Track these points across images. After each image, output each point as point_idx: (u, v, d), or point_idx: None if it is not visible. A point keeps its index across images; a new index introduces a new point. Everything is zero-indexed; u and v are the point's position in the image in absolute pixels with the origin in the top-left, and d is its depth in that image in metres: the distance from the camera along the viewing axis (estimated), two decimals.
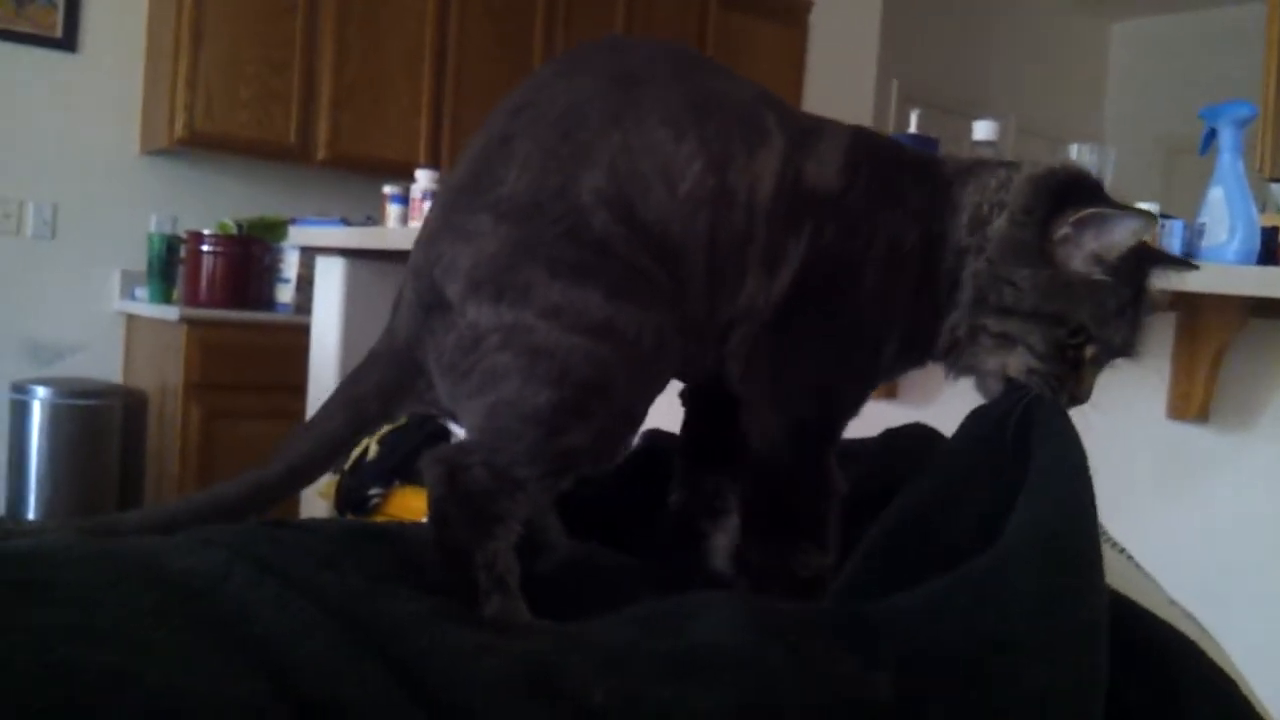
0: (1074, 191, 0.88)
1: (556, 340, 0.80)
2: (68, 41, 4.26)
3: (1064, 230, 0.86)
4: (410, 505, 2.45)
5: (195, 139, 4.21)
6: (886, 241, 0.90)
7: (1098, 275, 0.86)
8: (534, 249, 0.82)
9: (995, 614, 0.67)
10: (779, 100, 0.94)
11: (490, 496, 0.82)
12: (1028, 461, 0.80)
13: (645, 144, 0.85)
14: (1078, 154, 2.13)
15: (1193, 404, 1.96)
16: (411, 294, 0.88)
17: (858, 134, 0.95)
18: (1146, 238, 0.89)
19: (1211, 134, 1.92)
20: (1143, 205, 0.87)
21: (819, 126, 0.94)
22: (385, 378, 0.91)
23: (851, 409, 0.94)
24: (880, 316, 0.91)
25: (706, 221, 0.86)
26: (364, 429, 0.92)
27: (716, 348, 0.92)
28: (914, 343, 0.93)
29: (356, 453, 2.58)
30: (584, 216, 0.82)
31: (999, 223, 0.88)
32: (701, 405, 1.02)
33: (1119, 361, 0.92)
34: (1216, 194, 1.89)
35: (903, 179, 0.92)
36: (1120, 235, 0.86)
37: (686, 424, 1.04)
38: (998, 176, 0.91)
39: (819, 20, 6.06)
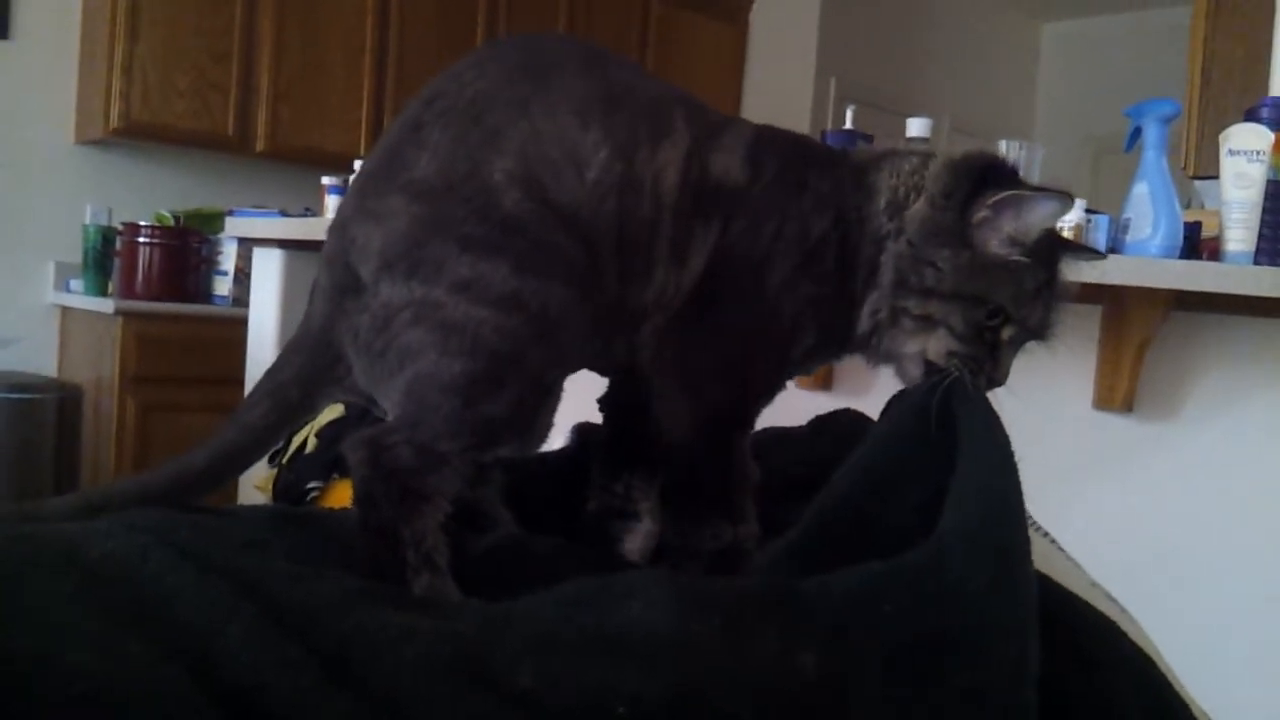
0: (992, 175, 0.90)
1: (465, 313, 0.82)
2: (1, 28, 4.17)
3: (983, 213, 0.88)
4: (349, 499, 2.43)
5: (131, 129, 4.14)
6: (796, 231, 0.91)
7: (1015, 255, 0.88)
8: (445, 226, 0.83)
9: (928, 609, 0.68)
10: (689, 99, 0.96)
11: (415, 473, 0.82)
12: (954, 444, 0.82)
13: (553, 131, 0.86)
14: (1006, 150, 2.17)
15: (1118, 394, 2.00)
16: (326, 280, 0.89)
17: (762, 129, 0.97)
18: (1063, 219, 0.91)
19: (1137, 132, 1.96)
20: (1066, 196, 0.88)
21: (724, 123, 0.95)
22: (304, 365, 0.91)
23: (764, 396, 0.95)
24: (790, 306, 0.92)
25: (614, 208, 0.87)
26: (288, 418, 0.93)
27: (628, 337, 0.93)
28: (832, 330, 0.94)
29: (294, 446, 2.55)
30: (495, 195, 0.84)
31: (918, 206, 0.90)
32: (615, 409, 1.04)
33: (1040, 350, 0.94)
34: (1141, 190, 1.92)
35: (809, 169, 0.93)
36: (1038, 216, 0.87)
37: (604, 428, 1.05)
38: (910, 162, 0.93)
39: (759, 18, 6.09)
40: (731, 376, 0.93)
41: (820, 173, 0.93)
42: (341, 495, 2.52)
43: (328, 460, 2.52)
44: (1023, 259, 0.88)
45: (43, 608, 0.57)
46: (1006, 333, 0.90)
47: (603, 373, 1.01)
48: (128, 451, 3.91)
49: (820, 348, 0.95)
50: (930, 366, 0.90)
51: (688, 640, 0.65)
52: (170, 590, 0.61)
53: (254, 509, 1.01)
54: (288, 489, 2.58)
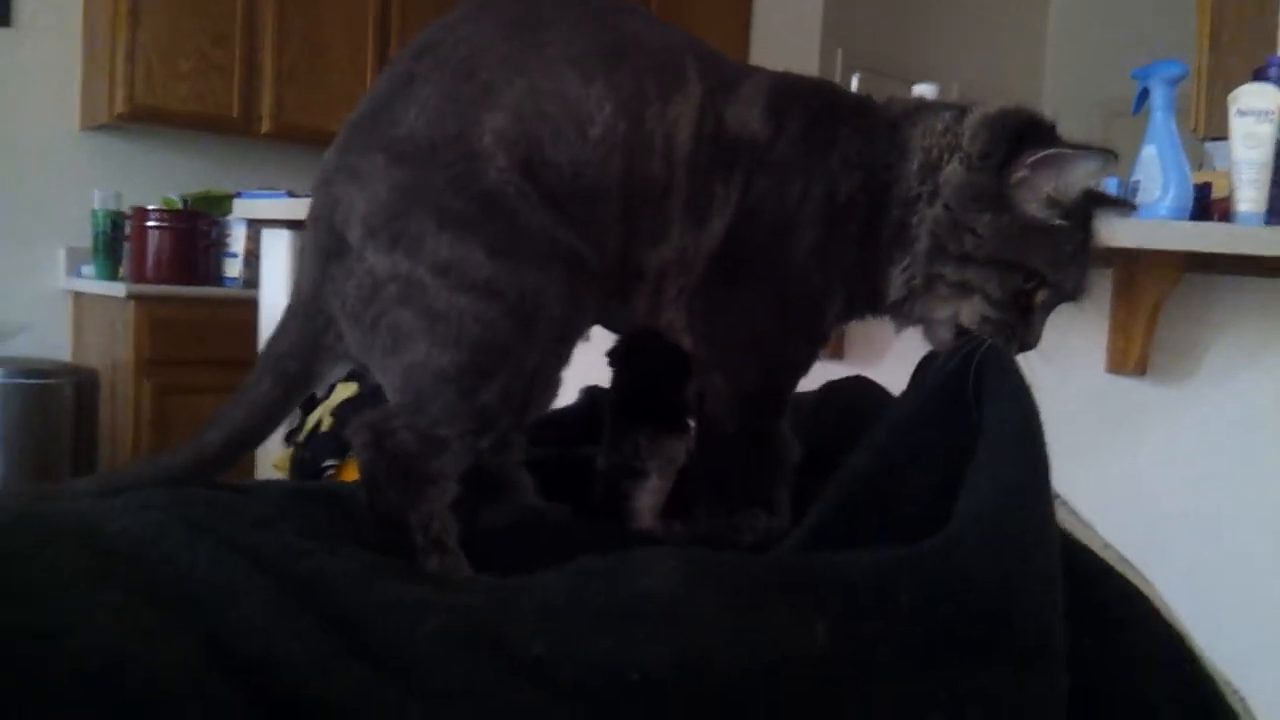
0: (1030, 132, 0.87)
1: (448, 301, 0.80)
2: (2, 16, 4.16)
3: (1021, 172, 0.85)
4: None
5: (136, 113, 4.13)
6: (823, 192, 0.87)
7: (1053, 218, 0.85)
8: (424, 196, 0.80)
9: (942, 600, 0.67)
10: (702, 47, 0.91)
11: (418, 458, 0.82)
12: (980, 418, 0.80)
13: (552, 86, 0.83)
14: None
15: (1130, 358, 2.00)
16: (311, 242, 0.87)
17: (783, 78, 0.93)
18: (1103, 177, 0.88)
19: (1144, 94, 1.94)
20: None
21: (741, 73, 0.92)
22: (298, 334, 0.89)
23: (800, 371, 0.93)
24: (821, 273, 0.89)
25: (619, 167, 0.84)
26: (292, 390, 0.91)
27: (650, 298, 0.90)
28: (858, 296, 0.91)
29: (310, 425, 2.56)
30: (477, 164, 0.81)
31: (953, 167, 0.86)
32: (626, 364, 1.02)
33: (1059, 310, 0.92)
34: (1150, 152, 1.91)
35: (837, 125, 0.90)
36: (1078, 175, 0.85)
37: (613, 384, 1.04)
38: (943, 119, 0.89)
39: None
40: (767, 353, 0.91)
41: (849, 127, 0.89)
42: (356, 472, 2.53)
43: (343, 439, 2.53)
44: (1062, 222, 0.86)
45: (59, 583, 0.57)
46: (1041, 296, 0.88)
47: (615, 330, 0.99)
48: (144, 434, 3.93)
49: (846, 313, 0.93)
50: (961, 330, 0.88)
51: (699, 609, 0.65)
52: (185, 565, 0.62)
53: (268, 485, 1.02)
54: (304, 467, 2.59)
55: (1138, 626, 0.78)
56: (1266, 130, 1.85)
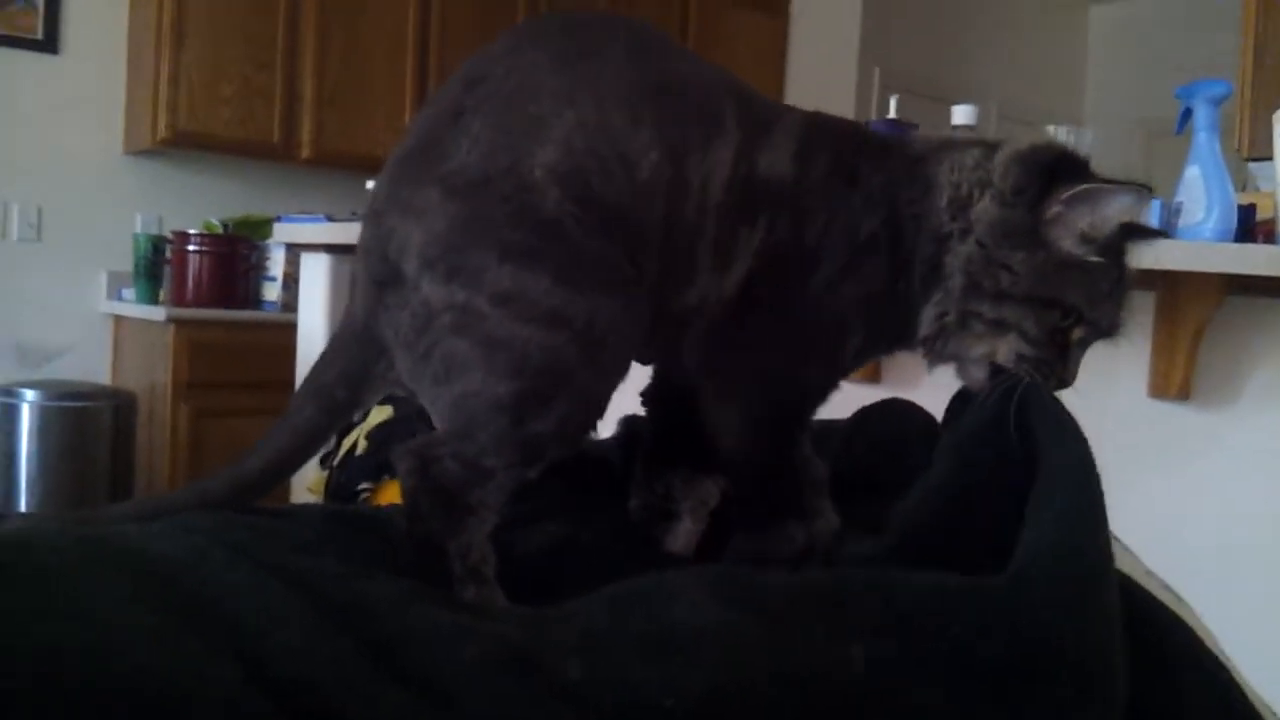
0: (1063, 168, 0.86)
1: (510, 331, 0.80)
2: (49, 43, 4.24)
3: (1056, 208, 0.84)
4: (399, 500, 2.44)
5: (179, 138, 4.19)
6: (844, 228, 0.87)
7: (1088, 254, 0.84)
8: (484, 229, 0.80)
9: (997, 637, 0.66)
10: (741, 88, 0.92)
11: (462, 487, 0.82)
12: (1032, 457, 0.79)
13: (601, 125, 0.83)
14: (1055, 135, 2.14)
15: (1173, 382, 1.97)
16: (363, 272, 0.87)
17: (812, 118, 0.93)
18: (1139, 213, 0.87)
19: (1187, 113, 1.93)
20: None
21: (775, 117, 0.91)
22: (349, 363, 0.90)
23: (813, 398, 0.92)
24: (839, 306, 0.88)
25: (661, 212, 0.85)
26: (336, 417, 0.91)
27: (668, 341, 0.91)
28: (882, 331, 0.91)
29: (345, 448, 2.57)
30: (534, 195, 0.81)
31: (985, 204, 0.86)
32: (660, 404, 1.02)
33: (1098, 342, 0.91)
34: (1193, 173, 1.89)
35: (861, 163, 0.89)
36: (1113, 210, 0.84)
37: (646, 424, 1.04)
38: (972, 155, 0.89)
39: (800, 8, 6.06)
40: (777, 382, 0.90)
41: (872, 166, 0.89)
42: (391, 495, 2.54)
43: (378, 462, 2.54)
44: (1098, 259, 0.85)
45: (101, 606, 0.58)
46: (1077, 333, 0.87)
47: (646, 363, 0.98)
48: (182, 457, 3.96)
49: (870, 347, 0.93)
50: (996, 369, 0.87)
51: (733, 633, 0.65)
52: (226, 589, 0.62)
53: (307, 509, 1.02)
54: (339, 490, 2.60)
55: (1180, 657, 0.77)
56: None
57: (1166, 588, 1.00)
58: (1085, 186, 0.83)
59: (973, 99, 2.52)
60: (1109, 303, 0.87)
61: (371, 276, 0.86)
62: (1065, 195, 0.84)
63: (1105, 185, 0.84)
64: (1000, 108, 5.98)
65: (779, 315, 0.89)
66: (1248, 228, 2.03)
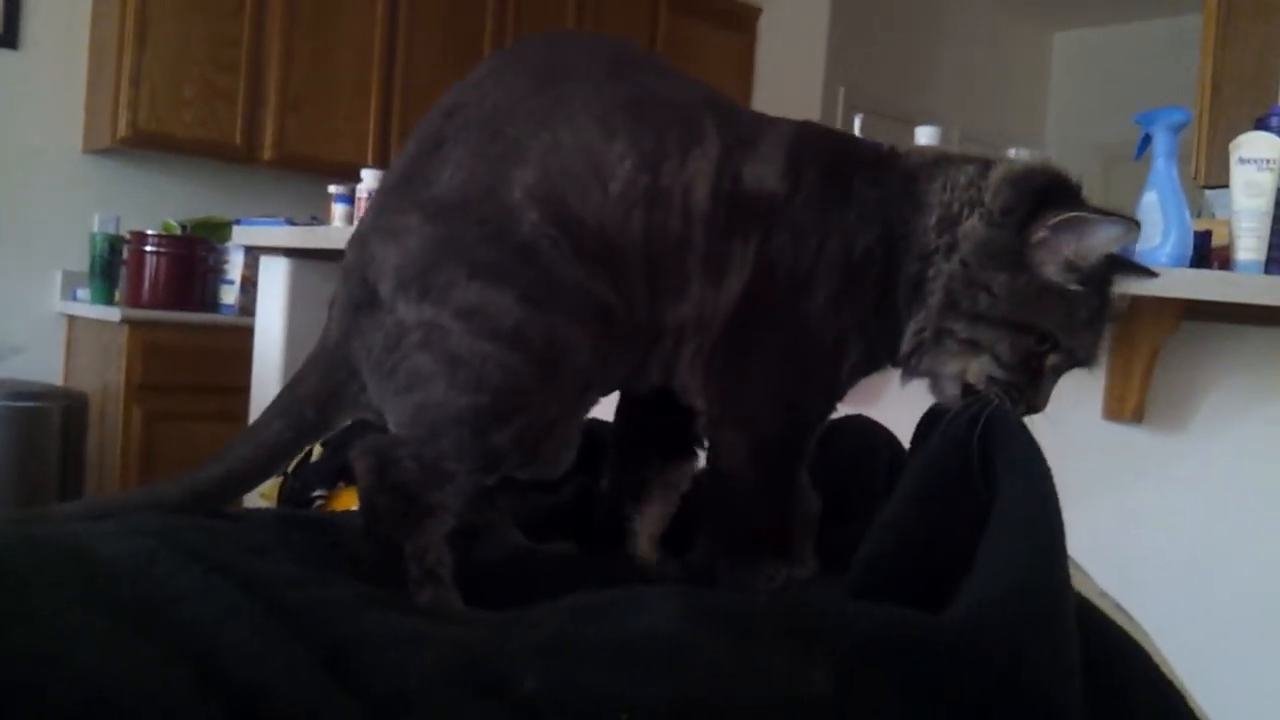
0: (1054, 193, 0.85)
1: (470, 346, 0.80)
2: (8, 38, 4.18)
3: (1042, 233, 0.83)
4: (353, 507, 2.42)
5: (139, 138, 4.15)
6: (840, 247, 0.86)
7: (1070, 282, 0.84)
8: (457, 249, 0.81)
9: (953, 674, 0.65)
10: (726, 102, 0.91)
11: (420, 488, 0.81)
12: (994, 480, 0.78)
13: (576, 141, 0.83)
14: (1015, 158, 2.16)
15: (1128, 405, 1.99)
16: (343, 294, 0.88)
17: (802, 131, 0.92)
18: (1125, 245, 0.85)
19: (1146, 139, 1.95)
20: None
21: (760, 127, 0.91)
22: (320, 383, 0.89)
23: (816, 423, 0.91)
24: (836, 326, 0.88)
25: (641, 222, 0.84)
26: (304, 435, 0.91)
27: (665, 359, 0.90)
28: (875, 349, 0.90)
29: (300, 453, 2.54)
30: (511, 218, 0.81)
31: (973, 222, 0.85)
32: (632, 396, 1.01)
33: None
34: (1150, 198, 1.91)
35: (854, 178, 0.88)
36: (1099, 241, 0.83)
37: (620, 410, 1.03)
38: (966, 173, 0.87)
39: (767, 27, 6.11)
40: (783, 406, 0.89)
41: (866, 181, 0.88)
42: (346, 502, 2.52)
43: (333, 468, 2.52)
44: (1079, 288, 0.84)
45: (50, 608, 0.57)
46: (1051, 360, 0.86)
47: (634, 391, 0.96)
48: (133, 460, 3.91)
49: (866, 365, 0.92)
50: (968, 388, 0.87)
51: (695, 648, 0.65)
52: (178, 592, 0.61)
53: (260, 513, 1.01)
54: (293, 496, 2.57)
55: (1132, 679, 0.77)
56: (1267, 179, 1.86)
57: (1119, 609, 1.00)
58: (1073, 214, 0.82)
59: (936, 121, 2.55)
60: (1087, 332, 0.86)
61: (350, 298, 0.86)
62: (1053, 221, 0.83)
63: (1093, 215, 0.83)
64: (963, 130, 6.04)
65: (780, 338, 0.88)
66: (1203, 254, 2.05)
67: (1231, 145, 1.90)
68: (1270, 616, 1.96)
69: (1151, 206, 1.92)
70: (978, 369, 0.86)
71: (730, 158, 0.87)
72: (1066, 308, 0.84)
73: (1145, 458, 2.09)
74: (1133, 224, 0.83)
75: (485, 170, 0.82)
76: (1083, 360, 0.88)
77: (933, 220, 0.86)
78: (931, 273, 0.86)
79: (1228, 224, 1.93)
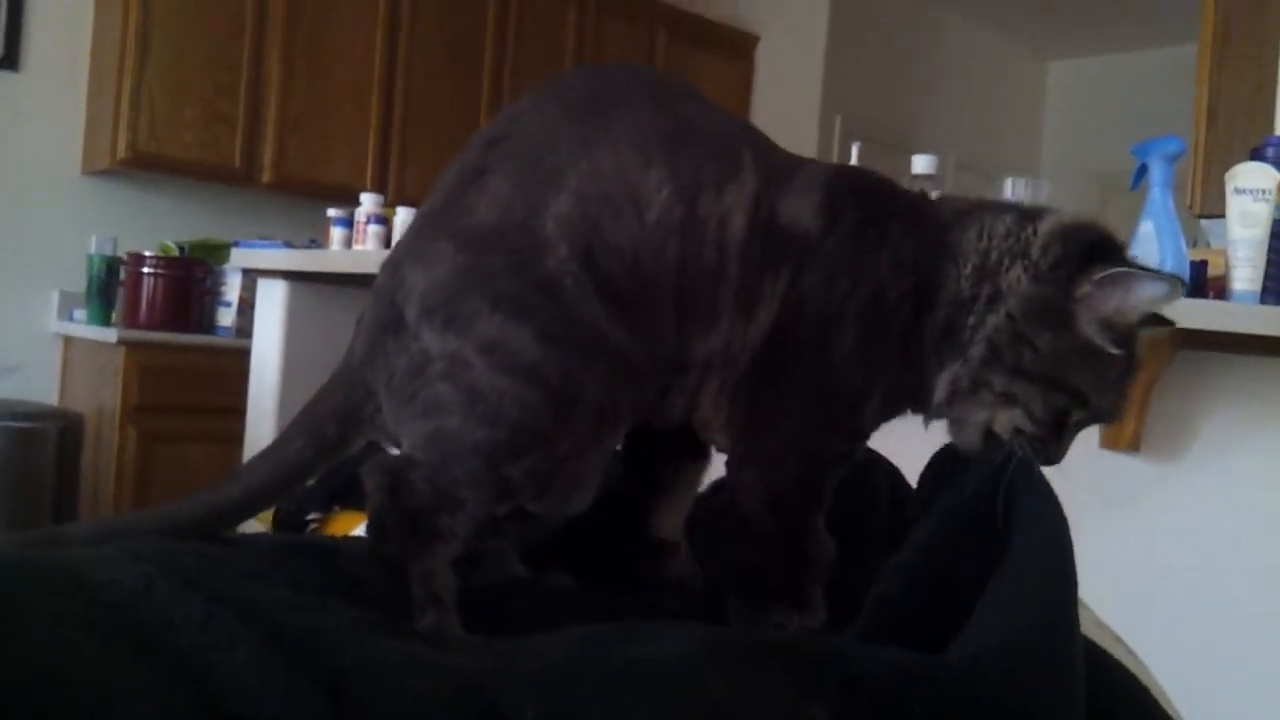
0: (1101, 249, 0.84)
1: (490, 381, 0.80)
2: (9, 60, 4.20)
3: (1087, 288, 0.82)
4: (349, 529, 2.42)
5: (138, 160, 4.16)
6: (870, 291, 0.86)
7: (1109, 342, 0.82)
8: (482, 278, 0.81)
9: (965, 716, 0.65)
10: (759, 136, 0.92)
11: (430, 512, 0.81)
12: (1010, 530, 0.78)
13: (613, 168, 0.83)
14: (1012, 187, 2.17)
15: (1124, 434, 2.00)
16: (371, 315, 0.88)
17: (839, 172, 0.91)
18: (1166, 305, 0.83)
19: (1142, 169, 1.96)
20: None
21: (796, 165, 0.91)
22: (341, 402, 0.89)
23: (838, 468, 0.90)
24: (862, 372, 0.87)
25: (675, 251, 0.84)
26: (324, 454, 0.90)
27: (689, 395, 0.89)
28: (896, 395, 0.89)
29: None
30: (539, 250, 0.81)
31: (1017, 274, 0.84)
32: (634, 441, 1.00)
33: None
34: (1147, 228, 1.92)
35: (890, 223, 0.88)
36: (1143, 298, 0.81)
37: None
38: (1004, 222, 0.86)
39: (765, 55, 6.15)
40: (805, 451, 0.88)
41: (902, 228, 0.87)
42: (341, 526, 2.51)
43: (328, 491, 2.52)
44: (1119, 352, 0.83)
45: (49, 629, 0.56)
46: (1077, 416, 0.85)
47: (656, 426, 0.95)
48: (128, 481, 3.91)
49: (886, 411, 0.91)
50: (991, 438, 0.86)
51: (698, 678, 0.64)
52: (174, 618, 0.61)
53: (257, 538, 1.01)
54: (288, 520, 2.56)
55: (1132, 713, 0.77)
56: (1263, 209, 1.87)
57: (1119, 640, 1.00)
58: (1120, 270, 0.81)
59: (933, 149, 2.56)
60: (1115, 392, 0.85)
61: (377, 319, 0.86)
62: (1099, 276, 0.81)
63: (1140, 271, 0.82)
64: (959, 158, 6.08)
65: (806, 382, 0.87)
66: (1199, 284, 2.06)
67: (1227, 175, 1.91)
68: (1267, 643, 1.96)
69: (1147, 236, 1.92)
70: (1007, 421, 0.85)
71: (766, 192, 0.87)
72: (1101, 368, 0.84)
73: (1142, 487, 2.09)
74: (1178, 283, 0.82)
75: (522, 200, 0.82)
76: (1105, 418, 0.87)
77: (968, 269, 0.85)
78: (971, 321, 0.85)
79: (1223, 254, 1.94)
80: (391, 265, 0.87)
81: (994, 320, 0.84)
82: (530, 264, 0.81)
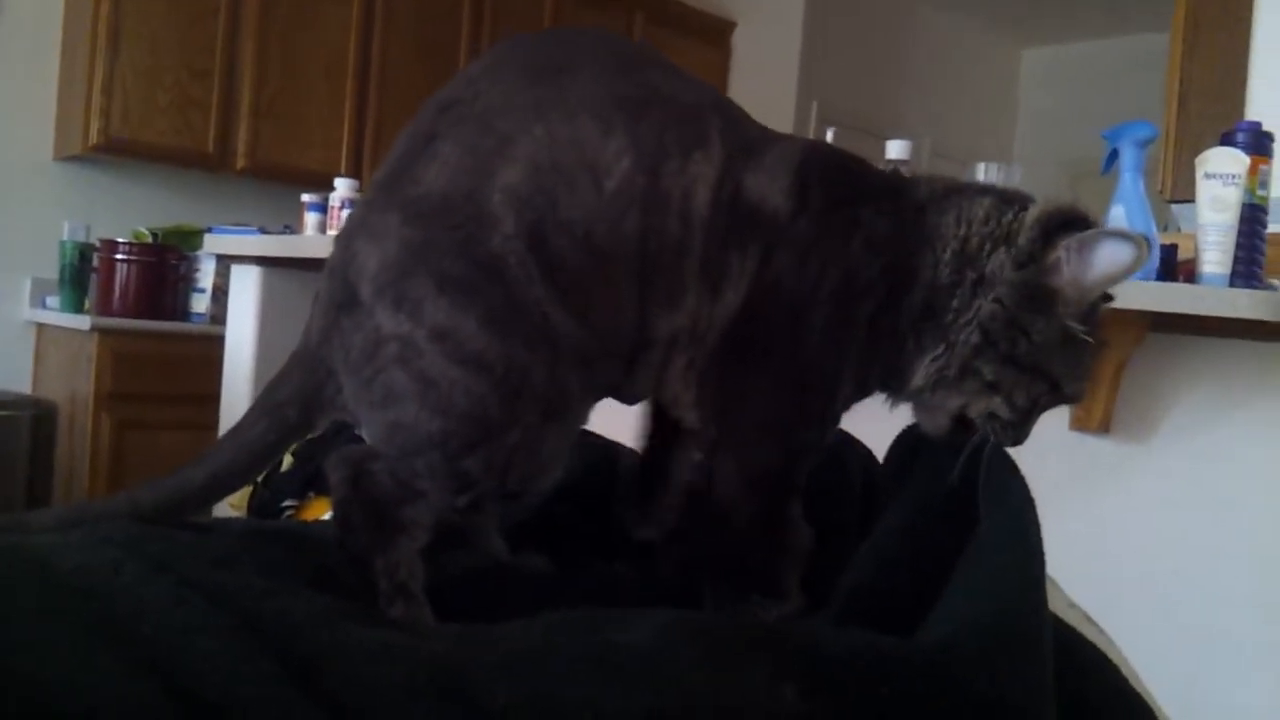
0: (1073, 221, 0.83)
1: (441, 370, 0.79)
2: None
3: (1056, 254, 0.81)
4: (323, 514, 2.41)
5: (111, 145, 4.13)
6: (843, 273, 0.84)
7: (1079, 315, 0.82)
8: (428, 257, 0.79)
9: (928, 701, 0.65)
10: (728, 107, 0.88)
11: (393, 503, 0.81)
12: (979, 513, 0.78)
13: (570, 137, 0.80)
14: (985, 172, 2.18)
15: (1094, 416, 2.01)
16: (325, 292, 0.86)
17: (812, 150, 0.89)
18: (1135, 265, 0.82)
19: (1114, 154, 1.97)
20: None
21: (767, 139, 0.88)
22: (301, 383, 0.88)
23: (812, 453, 0.89)
24: (834, 355, 0.85)
25: (636, 223, 0.81)
26: (287, 436, 0.89)
27: (655, 371, 0.88)
28: (868, 378, 0.88)
29: None
30: (484, 228, 0.79)
31: (1001, 261, 0.83)
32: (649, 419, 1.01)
33: None
34: (1118, 212, 1.94)
35: (864, 204, 0.86)
36: (1114, 262, 0.80)
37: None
38: (982, 206, 0.85)
39: (741, 41, 6.14)
40: (779, 437, 0.87)
41: (876, 209, 0.85)
42: (316, 512, 2.51)
43: (303, 478, 2.51)
44: (1091, 339, 0.83)
45: (12, 621, 0.56)
46: (1049, 401, 0.85)
47: (625, 402, 0.94)
48: (102, 469, 3.88)
49: (857, 395, 0.90)
50: (961, 421, 0.86)
51: (671, 662, 0.64)
52: (143, 604, 0.60)
53: (228, 523, 1.00)
54: (263, 507, 2.56)
55: (1103, 693, 0.77)
56: (1232, 194, 1.88)
57: (1089, 620, 1.01)
58: (1088, 232, 0.81)
59: (907, 134, 2.57)
60: (1085, 377, 0.86)
61: (331, 297, 0.84)
62: (1067, 240, 0.81)
63: (1107, 231, 0.81)
64: (934, 144, 6.10)
65: (777, 365, 0.85)
66: (1170, 267, 2.08)
67: (1197, 160, 1.92)
68: (1235, 624, 1.98)
69: (1119, 220, 1.94)
70: (984, 407, 0.84)
71: (733, 165, 0.84)
72: (1078, 354, 0.84)
73: (1112, 468, 2.11)
74: (1144, 242, 0.80)
75: (470, 168, 0.80)
76: (1070, 399, 0.87)
77: (946, 254, 0.84)
78: (955, 305, 0.84)
79: (1193, 238, 1.95)
80: (344, 238, 0.85)
81: (988, 307, 0.83)
82: (474, 241, 0.79)
